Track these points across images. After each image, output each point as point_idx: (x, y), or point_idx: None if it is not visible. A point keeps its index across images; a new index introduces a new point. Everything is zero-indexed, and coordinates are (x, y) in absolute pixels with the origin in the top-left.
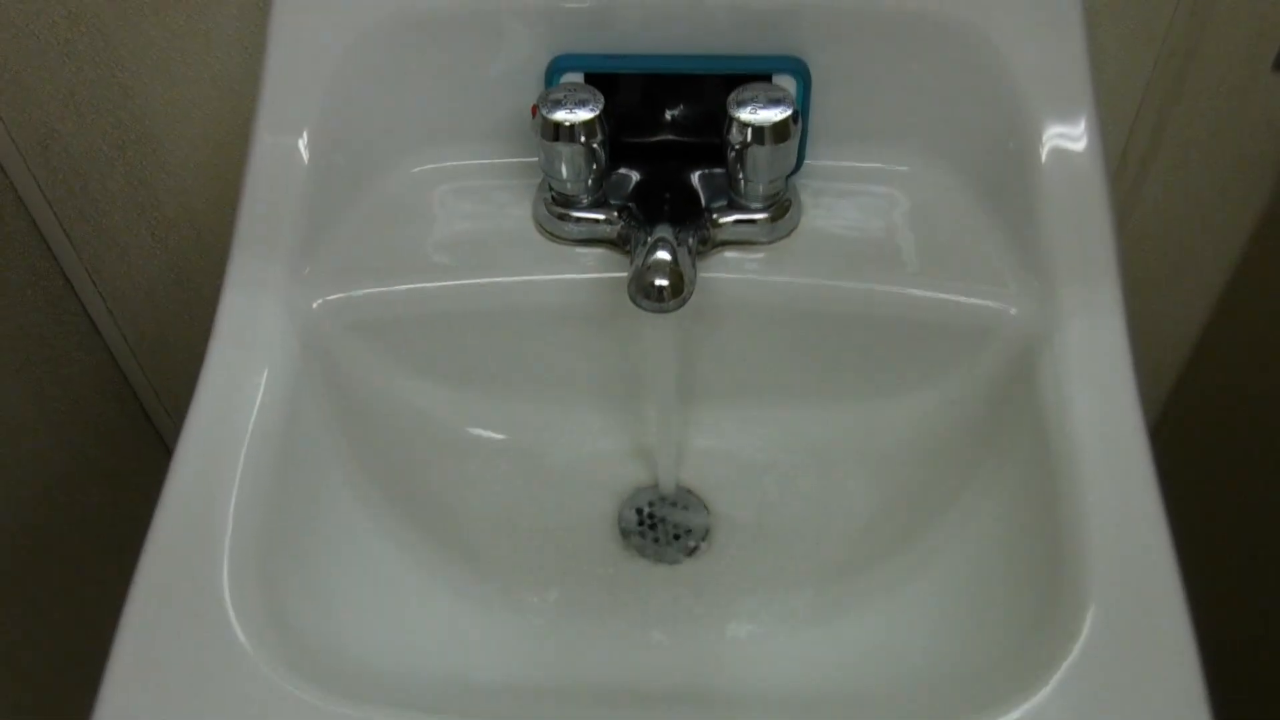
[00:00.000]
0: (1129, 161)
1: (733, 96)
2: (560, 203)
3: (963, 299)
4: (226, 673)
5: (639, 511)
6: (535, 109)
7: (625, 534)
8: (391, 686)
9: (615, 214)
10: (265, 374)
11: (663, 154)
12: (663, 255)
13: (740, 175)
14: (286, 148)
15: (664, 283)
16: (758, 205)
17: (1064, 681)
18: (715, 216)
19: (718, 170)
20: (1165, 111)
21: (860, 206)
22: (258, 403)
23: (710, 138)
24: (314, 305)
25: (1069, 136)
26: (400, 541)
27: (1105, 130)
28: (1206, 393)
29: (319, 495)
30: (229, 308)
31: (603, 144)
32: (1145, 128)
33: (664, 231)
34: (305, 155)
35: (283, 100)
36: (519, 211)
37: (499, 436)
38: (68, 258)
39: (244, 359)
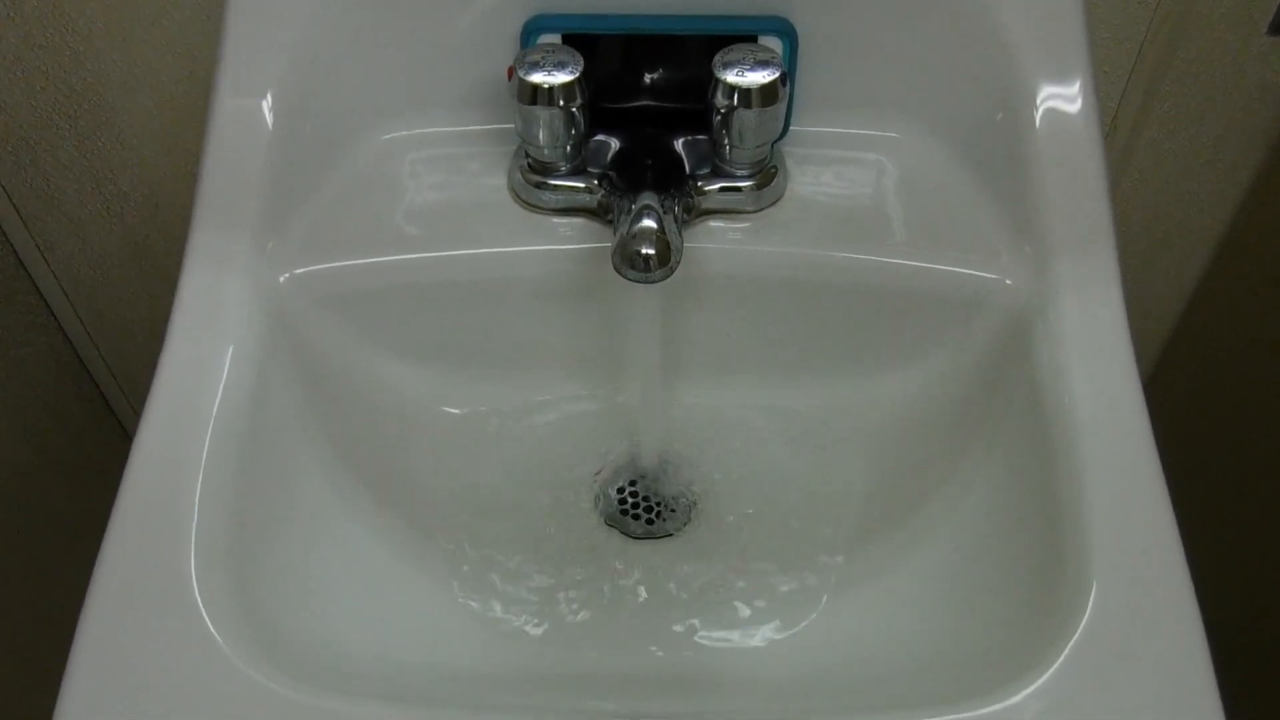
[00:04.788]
0: (1119, 128)
1: (718, 58)
2: (537, 170)
3: (954, 269)
4: (197, 666)
5: (621, 489)
6: (511, 71)
7: (607, 513)
8: (368, 676)
9: (595, 182)
10: (230, 352)
11: (643, 119)
12: (648, 223)
13: (726, 140)
14: (249, 112)
15: (650, 251)
16: (743, 172)
17: (1069, 660)
18: (699, 184)
19: (701, 136)
20: (1157, 76)
21: (848, 174)
22: (222, 383)
23: (692, 102)
24: (281, 280)
25: (1064, 98)
26: (374, 525)
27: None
28: (1191, 362)
29: (288, 478)
30: (190, 284)
31: (582, 108)
32: (1136, 93)
33: (649, 199)
34: (269, 120)
35: (245, 62)
36: (494, 180)
37: (475, 414)
38: (18, 234)
39: (207, 337)
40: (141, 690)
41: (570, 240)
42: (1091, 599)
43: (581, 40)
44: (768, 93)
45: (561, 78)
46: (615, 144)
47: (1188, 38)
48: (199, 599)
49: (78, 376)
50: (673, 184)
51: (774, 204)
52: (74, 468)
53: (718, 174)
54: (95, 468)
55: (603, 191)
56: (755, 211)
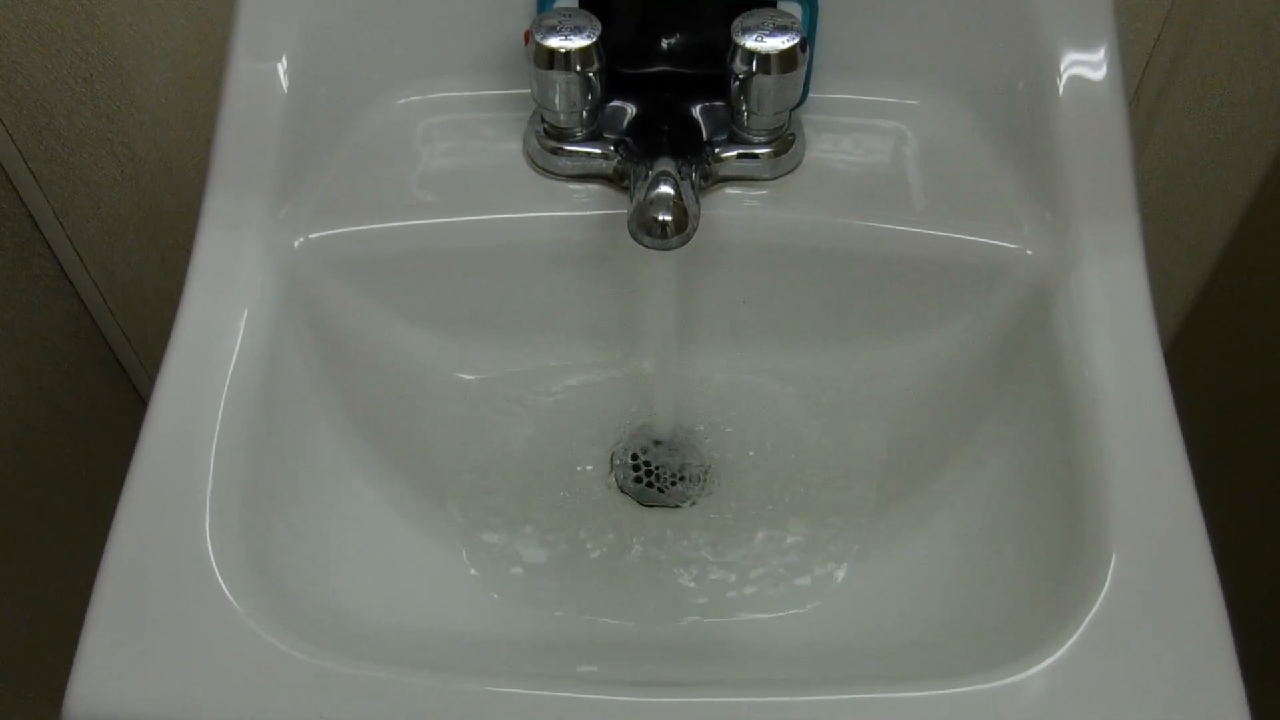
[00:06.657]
0: (1143, 97)
1: (737, 23)
2: (553, 136)
3: (974, 238)
4: (212, 630)
5: (635, 457)
6: (528, 35)
7: (621, 481)
8: (382, 640)
9: (611, 148)
10: (245, 316)
11: (660, 85)
12: (665, 189)
13: (743, 106)
14: (264, 75)
15: (667, 218)
16: (761, 139)
17: (1088, 633)
18: (717, 150)
19: (718, 103)
20: (1183, 43)
21: (867, 141)
22: (237, 347)
23: (710, 68)
24: (295, 244)
25: (1088, 65)
26: (388, 490)
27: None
28: (1213, 332)
29: (303, 443)
30: (205, 248)
31: (599, 73)
32: (1162, 61)
33: (666, 164)
34: (284, 84)
35: (260, 24)
36: (509, 146)
37: (489, 381)
38: (34, 199)
39: (222, 301)
40: (157, 653)
41: (586, 206)
42: (1110, 571)
43: (598, 4)
44: (787, 59)
45: (578, 42)
46: (632, 109)
47: (1215, 4)
48: (214, 563)
49: (92, 340)
50: (690, 150)
51: (792, 171)
52: (88, 431)
53: (735, 140)
54: (109, 431)
55: (619, 157)
56: (772, 179)
